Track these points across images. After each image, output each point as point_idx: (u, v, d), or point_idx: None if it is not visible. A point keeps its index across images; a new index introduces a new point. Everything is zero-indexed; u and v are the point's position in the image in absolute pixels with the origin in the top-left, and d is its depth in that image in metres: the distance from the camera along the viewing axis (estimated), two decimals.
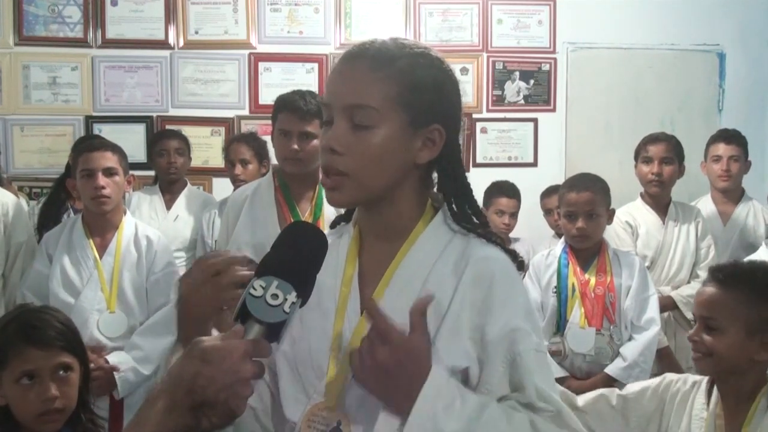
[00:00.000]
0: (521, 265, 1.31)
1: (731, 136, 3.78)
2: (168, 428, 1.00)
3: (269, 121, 4.51)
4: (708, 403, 1.83)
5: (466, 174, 1.32)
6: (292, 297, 1.05)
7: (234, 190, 3.66)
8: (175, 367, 1.04)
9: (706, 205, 3.79)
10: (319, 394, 1.23)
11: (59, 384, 1.75)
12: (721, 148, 3.74)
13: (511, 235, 4.18)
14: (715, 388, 1.84)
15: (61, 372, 1.76)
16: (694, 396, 1.89)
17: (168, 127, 4.41)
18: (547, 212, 4.12)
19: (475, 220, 1.31)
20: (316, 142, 2.71)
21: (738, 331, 1.78)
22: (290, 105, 2.77)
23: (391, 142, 1.20)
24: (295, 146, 2.72)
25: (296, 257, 1.09)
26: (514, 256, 1.30)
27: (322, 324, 1.25)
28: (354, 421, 1.19)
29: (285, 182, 2.82)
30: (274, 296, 1.04)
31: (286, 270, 1.06)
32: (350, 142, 1.19)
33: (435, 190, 1.33)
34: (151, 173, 4.00)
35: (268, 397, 1.30)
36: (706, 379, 1.88)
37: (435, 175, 1.32)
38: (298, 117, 2.74)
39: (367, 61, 1.21)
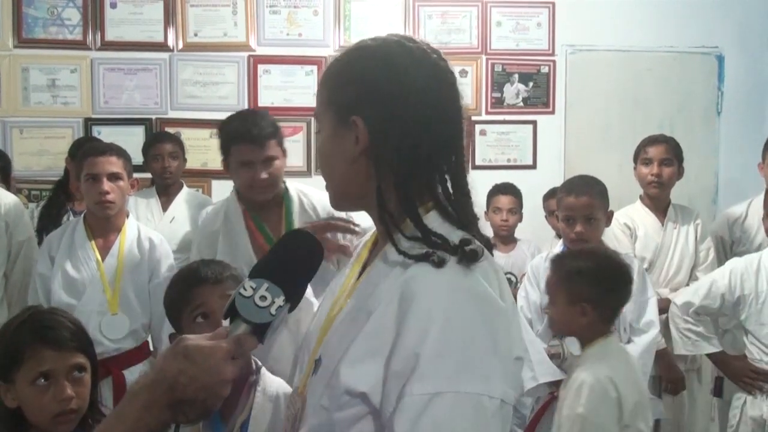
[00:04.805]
0: (474, 255, 1.10)
1: None
2: (146, 423, 1.02)
3: None
4: None
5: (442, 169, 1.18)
6: (280, 300, 1.08)
7: None
8: (158, 362, 1.06)
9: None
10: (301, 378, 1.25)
11: (74, 384, 1.75)
12: None
13: (515, 236, 4.20)
14: None
15: (75, 373, 1.77)
16: None
17: (167, 129, 4.43)
18: (550, 213, 4.13)
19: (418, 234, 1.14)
20: (278, 162, 2.63)
21: (563, 302, 2.36)
22: (246, 136, 2.59)
23: (328, 142, 1.23)
24: (264, 175, 2.60)
25: (290, 263, 1.13)
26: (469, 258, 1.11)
27: (323, 312, 1.28)
28: (308, 409, 1.15)
29: (252, 206, 2.72)
30: (263, 298, 1.08)
31: (278, 274, 1.10)
32: (318, 148, 1.29)
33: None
34: (148, 175, 4.01)
35: None
36: None
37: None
38: (258, 145, 2.58)
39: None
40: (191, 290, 1.86)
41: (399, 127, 1.15)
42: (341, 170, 1.22)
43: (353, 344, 1.09)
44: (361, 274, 1.25)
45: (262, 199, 2.70)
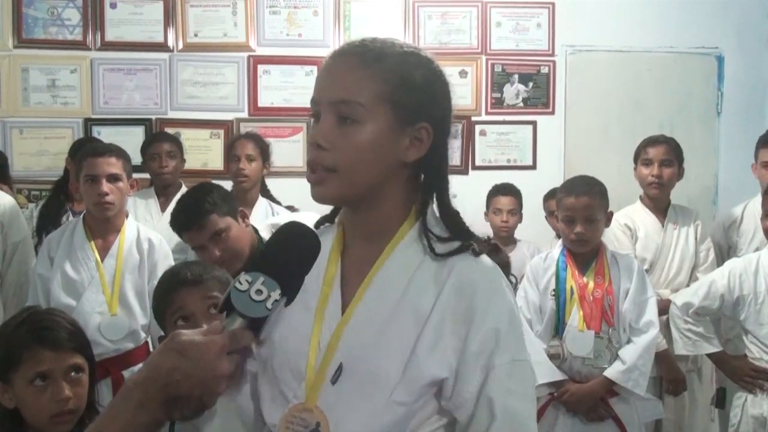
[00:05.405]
0: (506, 266, 1.32)
1: None
2: (140, 422, 1.01)
3: (268, 124, 4.59)
4: None
5: (454, 176, 1.30)
6: (276, 294, 1.06)
7: (234, 187, 3.64)
8: (151, 359, 1.04)
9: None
10: (297, 396, 1.21)
11: (72, 385, 1.75)
12: None
13: (515, 236, 4.20)
14: None
15: (73, 373, 1.77)
16: None
17: (167, 129, 4.42)
18: (550, 214, 4.12)
19: (452, 226, 1.28)
20: (230, 233, 2.59)
21: None
22: (183, 225, 2.62)
23: (377, 139, 1.19)
24: (217, 253, 2.56)
25: (286, 256, 1.10)
26: (497, 255, 1.30)
27: (304, 326, 1.24)
28: (333, 422, 1.18)
29: None
30: (259, 292, 1.06)
31: (274, 268, 1.08)
32: (336, 137, 1.19)
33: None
34: (148, 176, 4.00)
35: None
36: None
37: None
38: (197, 229, 2.58)
39: (356, 57, 1.22)
40: (171, 293, 1.85)
41: (445, 139, 1.28)
42: (378, 168, 1.21)
43: (422, 337, 1.18)
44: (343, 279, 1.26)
45: (234, 269, 2.56)
